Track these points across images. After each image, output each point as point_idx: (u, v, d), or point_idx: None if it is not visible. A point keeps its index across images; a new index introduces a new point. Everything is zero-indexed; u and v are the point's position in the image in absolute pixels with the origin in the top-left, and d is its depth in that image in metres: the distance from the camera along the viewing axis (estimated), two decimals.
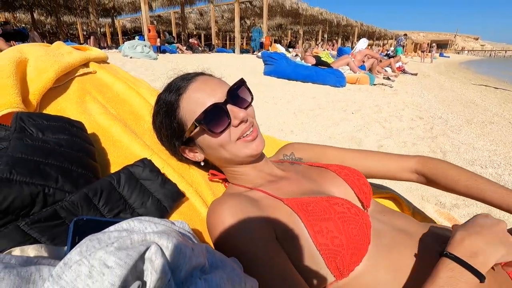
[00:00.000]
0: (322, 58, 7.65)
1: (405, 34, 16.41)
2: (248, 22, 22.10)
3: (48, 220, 0.53)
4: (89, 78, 1.14)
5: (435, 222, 1.06)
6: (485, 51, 78.57)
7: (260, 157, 0.79)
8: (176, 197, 0.73)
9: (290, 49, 13.42)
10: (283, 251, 0.60)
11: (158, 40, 10.34)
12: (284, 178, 0.78)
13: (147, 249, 0.38)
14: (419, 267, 0.61)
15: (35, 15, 17.75)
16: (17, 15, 19.07)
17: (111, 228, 0.43)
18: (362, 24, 27.79)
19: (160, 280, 0.37)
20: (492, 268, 0.55)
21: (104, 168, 0.79)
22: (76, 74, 1.09)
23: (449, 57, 36.69)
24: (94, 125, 0.90)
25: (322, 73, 6.15)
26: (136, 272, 0.37)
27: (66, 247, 0.47)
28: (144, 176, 0.72)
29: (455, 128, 3.69)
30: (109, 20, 21.08)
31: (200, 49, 13.41)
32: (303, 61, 7.45)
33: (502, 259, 0.54)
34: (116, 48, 10.53)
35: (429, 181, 0.84)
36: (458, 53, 66.90)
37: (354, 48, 8.84)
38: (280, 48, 11.79)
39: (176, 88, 0.74)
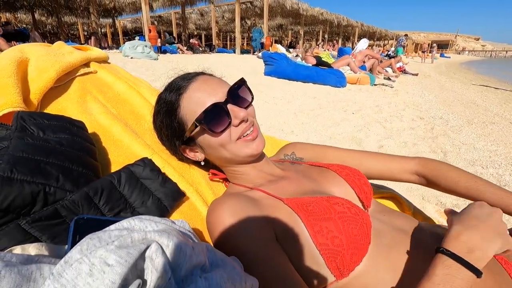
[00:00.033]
0: (322, 59, 7.65)
1: (406, 35, 16.41)
2: (248, 22, 22.12)
3: (48, 219, 0.53)
4: (90, 77, 1.14)
5: (435, 222, 1.06)
6: (486, 51, 78.48)
7: (260, 156, 0.79)
8: (176, 196, 0.73)
9: (291, 50, 13.44)
10: (283, 251, 0.60)
11: (159, 40, 10.35)
12: (284, 177, 0.78)
13: (147, 247, 0.38)
14: (420, 267, 0.61)
15: (36, 15, 17.78)
16: (18, 15, 19.12)
17: (112, 227, 0.43)
18: (362, 25, 27.80)
19: (160, 278, 0.37)
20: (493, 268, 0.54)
21: (105, 168, 0.79)
22: (77, 74, 1.10)
23: (449, 57, 36.65)
24: (94, 124, 0.90)
25: (322, 73, 6.15)
26: (136, 270, 0.37)
27: (66, 246, 0.47)
28: (144, 175, 0.72)
29: (455, 128, 3.69)
30: (110, 20, 21.12)
31: (200, 49, 13.43)
32: (303, 61, 7.45)
33: (498, 251, 0.54)
34: (117, 48, 10.55)
35: (429, 183, 0.84)
36: (459, 53, 66.82)
37: (354, 49, 8.84)
38: (281, 49, 11.80)
39: (176, 88, 0.74)
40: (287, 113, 3.82)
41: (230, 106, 0.70)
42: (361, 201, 0.76)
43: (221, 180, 0.90)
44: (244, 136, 0.72)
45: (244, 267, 0.51)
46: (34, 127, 0.67)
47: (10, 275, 0.33)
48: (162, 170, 0.77)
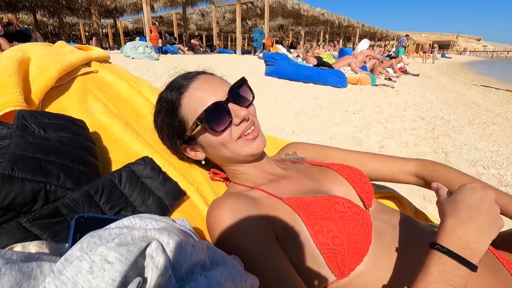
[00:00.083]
0: (323, 59, 7.65)
1: (407, 35, 16.37)
2: (249, 23, 22.14)
3: (49, 217, 0.53)
4: (91, 77, 1.14)
5: (436, 222, 1.06)
6: (487, 51, 78.34)
7: (261, 156, 0.79)
8: (177, 195, 0.73)
9: (292, 50, 13.44)
10: (282, 251, 0.60)
11: (160, 41, 10.36)
12: (285, 177, 0.78)
13: (148, 245, 0.38)
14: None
15: (37, 16, 17.84)
16: (20, 16, 19.18)
17: (112, 225, 0.43)
18: (363, 25, 27.79)
19: (161, 276, 0.37)
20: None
21: (106, 167, 0.79)
22: (78, 73, 1.10)
23: (451, 58, 36.59)
24: (95, 123, 0.90)
25: (323, 74, 6.15)
26: (137, 268, 0.37)
27: (67, 244, 0.47)
28: (145, 174, 0.72)
29: (457, 128, 3.68)
30: (111, 21, 21.18)
31: (201, 49, 13.45)
32: (304, 61, 7.45)
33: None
34: (118, 49, 10.58)
35: (428, 184, 0.84)
36: (460, 54, 66.73)
37: (355, 49, 8.84)
38: (282, 49, 11.81)
39: (177, 87, 0.74)
40: (288, 113, 3.82)
41: (231, 105, 0.70)
42: (362, 200, 0.76)
43: (221, 180, 0.90)
44: (245, 135, 0.72)
45: (244, 267, 0.51)
46: (35, 126, 0.67)
47: (10, 273, 0.33)
48: (163, 169, 0.77)
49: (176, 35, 17.21)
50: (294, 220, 0.62)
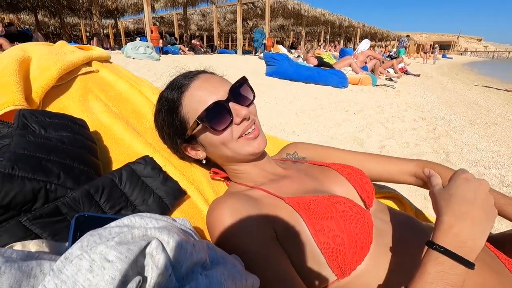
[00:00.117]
0: (324, 59, 7.65)
1: (408, 35, 16.35)
2: (250, 23, 22.15)
3: (49, 216, 0.53)
4: (92, 76, 1.14)
5: None
6: (488, 52, 78.22)
7: (262, 155, 0.79)
8: (177, 194, 0.73)
9: (292, 50, 13.43)
10: (283, 251, 0.60)
11: (161, 41, 10.38)
12: (286, 176, 0.78)
13: (148, 244, 0.38)
14: None
15: (39, 16, 17.89)
16: (21, 16, 19.23)
17: (112, 223, 0.43)
18: (364, 25, 27.78)
19: (161, 275, 0.37)
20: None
21: (106, 166, 0.79)
22: (79, 73, 1.10)
23: (451, 58, 36.53)
24: (96, 123, 0.90)
25: (324, 74, 6.15)
26: (137, 267, 0.37)
27: (67, 243, 0.47)
28: (145, 174, 0.72)
29: (458, 129, 3.68)
30: (112, 21, 21.23)
31: (202, 50, 13.46)
32: (305, 62, 7.45)
33: None
34: (119, 49, 10.59)
35: (426, 184, 0.84)
36: (461, 54, 66.62)
37: (356, 49, 8.83)
38: (282, 49, 11.81)
39: (178, 86, 0.74)
40: (288, 113, 3.82)
41: (231, 104, 0.69)
42: (363, 200, 0.76)
43: (222, 179, 0.89)
44: (245, 135, 0.72)
45: (244, 267, 0.51)
46: (35, 125, 0.67)
47: (10, 271, 0.33)
48: (163, 169, 0.77)
49: (177, 35, 17.22)
50: (295, 220, 0.62)
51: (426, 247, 0.52)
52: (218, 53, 14.15)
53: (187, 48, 12.36)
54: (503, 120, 4.25)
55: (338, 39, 27.66)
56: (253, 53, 14.01)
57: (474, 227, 0.50)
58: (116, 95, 1.10)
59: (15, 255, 0.37)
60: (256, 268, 0.53)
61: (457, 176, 0.57)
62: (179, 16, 18.76)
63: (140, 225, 0.44)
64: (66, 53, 1.10)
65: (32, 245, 0.46)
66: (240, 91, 0.73)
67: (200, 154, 0.80)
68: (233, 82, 0.75)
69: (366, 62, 7.60)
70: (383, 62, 8.51)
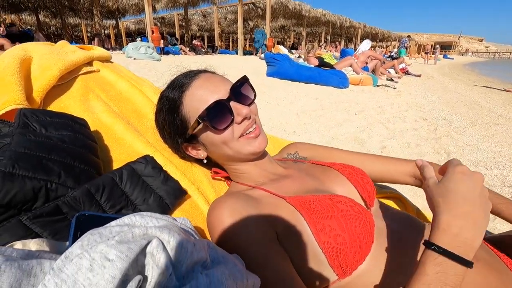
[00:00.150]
0: (325, 60, 7.65)
1: (409, 36, 16.33)
2: (251, 23, 22.14)
3: (50, 215, 0.53)
4: (93, 76, 1.14)
5: None
6: (489, 52, 78.06)
7: (263, 155, 0.79)
8: (178, 194, 0.73)
9: (293, 51, 13.43)
10: (283, 251, 0.60)
11: (162, 41, 10.39)
12: (287, 176, 0.77)
13: (148, 243, 0.38)
14: None
15: (40, 17, 17.93)
16: (23, 17, 19.29)
17: (113, 223, 0.43)
18: (365, 26, 27.76)
19: (161, 274, 0.37)
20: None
21: (107, 165, 0.79)
22: (80, 73, 1.10)
23: (453, 58, 36.46)
24: (97, 122, 0.90)
25: (325, 74, 6.14)
26: (137, 266, 0.37)
27: (67, 242, 0.47)
28: (146, 173, 0.71)
29: (459, 129, 3.67)
30: (113, 21, 21.27)
31: (203, 50, 13.47)
32: (306, 62, 7.44)
33: None
34: (120, 49, 10.60)
35: None
36: (462, 54, 66.50)
37: (357, 50, 8.82)
38: (283, 50, 11.81)
39: (179, 85, 0.73)
40: (289, 113, 3.82)
41: (232, 104, 0.69)
42: (364, 200, 0.75)
43: (223, 179, 0.89)
44: (246, 134, 0.72)
45: (245, 266, 0.50)
46: (36, 124, 0.67)
47: (10, 270, 0.32)
48: (164, 168, 0.77)
49: (178, 35, 17.24)
50: (296, 219, 0.62)
51: (424, 247, 0.50)
52: (219, 53, 14.15)
53: (188, 49, 12.37)
54: (504, 121, 4.24)
55: (339, 39, 27.67)
56: (254, 54, 14.01)
57: (473, 227, 0.48)
58: (117, 95, 1.10)
59: (15, 254, 0.37)
60: (256, 267, 0.53)
61: (453, 169, 0.54)
62: (180, 16, 18.79)
63: (140, 224, 0.44)
64: (67, 52, 1.10)
65: (33, 244, 0.46)
66: (241, 90, 0.73)
67: (201, 154, 0.80)
68: (234, 82, 0.75)
69: (367, 63, 7.59)
70: (384, 62, 8.50)
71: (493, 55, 69.19)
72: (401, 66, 9.47)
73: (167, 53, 10.33)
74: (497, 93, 7.27)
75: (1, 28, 9.55)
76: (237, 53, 14.25)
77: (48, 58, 1.00)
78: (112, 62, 1.35)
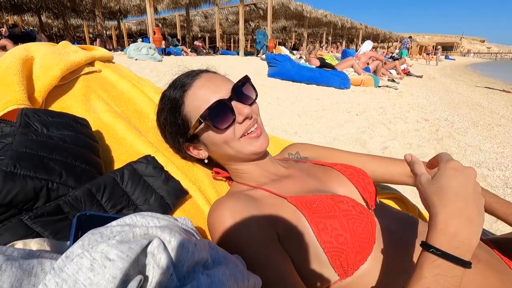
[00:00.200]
0: (326, 60, 7.64)
1: (410, 37, 16.31)
2: (252, 24, 22.18)
3: (51, 215, 0.53)
4: (94, 76, 1.14)
5: None
6: (491, 53, 77.87)
7: (264, 155, 0.79)
8: (179, 194, 0.73)
9: (294, 52, 13.42)
10: (284, 252, 0.59)
11: (163, 42, 10.41)
12: (288, 176, 0.77)
13: (149, 243, 0.38)
14: None
15: (42, 18, 18.02)
16: (25, 18, 19.38)
17: (114, 222, 0.43)
18: (366, 27, 27.75)
19: (162, 274, 0.37)
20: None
21: (108, 165, 0.79)
22: (82, 73, 1.10)
23: (454, 59, 36.40)
24: (98, 122, 0.90)
25: (326, 75, 6.14)
26: (138, 266, 0.37)
27: (68, 241, 0.47)
28: (147, 173, 0.71)
29: (461, 130, 3.66)
30: (115, 22, 21.33)
31: (204, 51, 13.49)
32: (307, 63, 7.44)
33: None
34: (122, 50, 10.64)
35: None
36: (464, 55, 66.40)
37: (358, 50, 8.82)
38: (284, 50, 11.79)
39: (180, 85, 0.73)
40: (290, 114, 3.82)
41: (234, 103, 0.69)
42: (365, 201, 0.75)
43: (224, 179, 0.89)
44: (248, 134, 0.72)
45: (246, 267, 0.50)
46: (38, 124, 0.67)
47: (11, 269, 0.32)
48: (165, 168, 0.77)
49: (179, 36, 17.29)
50: (298, 219, 0.61)
51: (422, 249, 0.49)
52: (220, 54, 14.18)
53: (189, 49, 12.39)
54: (506, 122, 4.22)
55: (340, 40, 27.66)
56: (255, 54, 14.03)
57: (469, 225, 0.47)
58: (118, 95, 1.10)
59: (16, 254, 0.37)
60: (257, 268, 0.53)
61: (444, 165, 0.52)
62: (182, 17, 18.83)
63: (141, 224, 0.44)
64: (69, 53, 1.11)
65: (34, 244, 0.46)
66: (242, 90, 0.73)
67: (202, 154, 0.79)
68: (235, 82, 0.74)
69: (368, 63, 7.59)
70: (385, 63, 8.49)
71: (495, 56, 69.01)
72: (402, 67, 9.46)
73: (169, 54, 10.36)
74: (499, 94, 7.25)
75: (4, 29, 9.60)
76: (238, 54, 14.28)
77: (50, 58, 1.00)
78: (113, 63, 1.36)
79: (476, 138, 3.34)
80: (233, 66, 7.71)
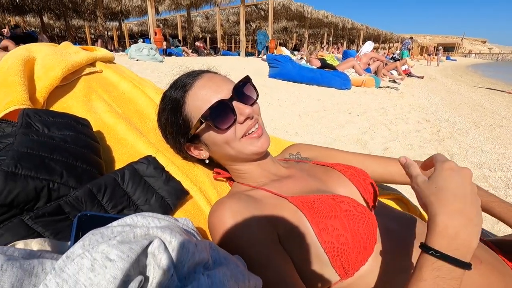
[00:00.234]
0: (327, 61, 7.64)
1: (411, 37, 16.31)
2: (253, 25, 22.20)
3: (52, 215, 0.53)
4: (95, 77, 1.15)
5: None
6: (492, 54, 77.71)
7: (265, 155, 0.79)
8: (180, 194, 0.73)
9: (295, 52, 13.43)
10: (284, 253, 0.59)
11: (165, 43, 10.43)
12: (289, 176, 0.77)
13: (150, 243, 0.38)
14: None
15: (44, 19, 18.09)
16: (27, 18, 19.46)
17: (114, 223, 0.43)
18: (367, 27, 27.74)
19: (163, 275, 0.36)
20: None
21: (109, 165, 0.79)
22: (83, 73, 1.10)
23: (456, 60, 36.35)
24: (99, 123, 0.90)
25: (327, 76, 6.14)
26: (138, 267, 0.37)
27: (69, 242, 0.47)
28: (148, 173, 0.71)
29: (462, 131, 3.65)
30: (117, 23, 21.42)
31: (205, 52, 13.52)
32: (308, 63, 7.44)
33: None
34: (123, 51, 10.67)
35: None
36: (465, 56, 66.29)
37: (359, 51, 8.81)
38: (285, 51, 11.80)
39: (182, 85, 0.74)
40: (291, 115, 3.82)
41: (235, 103, 0.69)
42: (366, 201, 0.75)
43: (225, 179, 0.89)
44: (249, 134, 0.72)
45: (247, 267, 0.50)
46: (39, 124, 0.68)
47: (12, 269, 0.32)
48: (166, 169, 0.77)
49: (180, 37, 17.32)
50: (299, 219, 0.61)
51: (421, 251, 0.49)
52: (221, 55, 14.20)
53: (190, 50, 12.42)
54: (508, 123, 4.21)
55: (341, 41, 27.69)
56: (256, 55, 14.04)
57: (469, 225, 0.46)
58: (119, 95, 1.10)
59: (17, 254, 0.37)
60: (258, 268, 0.53)
61: (441, 166, 0.52)
62: (183, 18, 18.87)
63: (142, 224, 0.44)
64: (70, 53, 1.11)
65: (34, 244, 0.46)
66: (243, 90, 0.73)
67: (203, 154, 0.79)
68: (236, 82, 0.74)
69: (369, 64, 7.58)
70: (386, 64, 8.48)
71: (496, 57, 68.86)
72: (403, 67, 9.45)
73: (170, 54, 10.38)
74: (501, 94, 7.23)
75: (6, 30, 9.63)
76: (239, 55, 14.29)
77: (51, 58, 1.01)
78: (115, 63, 1.36)
79: (477, 139, 3.33)
80: (234, 67, 7.71)
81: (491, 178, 2.37)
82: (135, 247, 0.36)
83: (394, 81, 7.64)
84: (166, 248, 0.38)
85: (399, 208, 1.07)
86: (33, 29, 18.89)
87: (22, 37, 8.25)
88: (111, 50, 10.95)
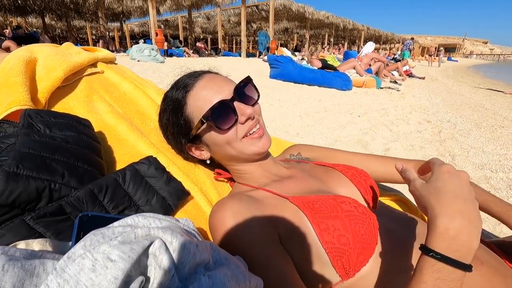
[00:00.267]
0: (328, 62, 7.64)
1: (412, 38, 16.28)
2: (254, 26, 22.23)
3: (53, 215, 0.53)
4: (97, 77, 1.15)
5: None
6: (494, 55, 77.55)
7: (266, 155, 0.79)
8: (181, 195, 0.73)
9: (296, 53, 13.44)
10: (285, 253, 0.59)
11: (166, 43, 10.45)
12: (290, 177, 0.77)
13: (151, 244, 0.38)
14: None
15: (46, 19, 18.15)
16: (29, 19, 19.55)
17: (115, 223, 0.43)
18: (368, 28, 27.74)
19: (164, 275, 0.36)
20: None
21: (110, 166, 0.79)
22: (84, 74, 1.11)
23: (457, 61, 36.28)
24: (101, 123, 0.91)
25: (328, 77, 6.14)
26: (139, 267, 0.37)
27: (70, 242, 0.47)
28: (149, 174, 0.71)
29: (464, 132, 3.64)
30: (118, 24, 21.48)
31: (206, 52, 13.54)
32: (309, 64, 7.44)
33: None
34: (124, 51, 10.69)
35: None
36: (467, 57, 66.19)
37: (360, 52, 8.81)
38: (286, 52, 11.80)
39: (183, 86, 0.74)
40: (292, 115, 3.81)
41: (236, 104, 0.69)
42: (367, 202, 0.75)
43: (226, 180, 0.89)
44: (250, 134, 0.72)
45: (247, 268, 0.50)
46: (40, 125, 0.68)
47: (13, 270, 0.32)
48: (167, 169, 0.77)
49: (181, 38, 17.35)
50: (300, 219, 0.61)
51: (421, 252, 0.48)
52: (222, 55, 14.22)
53: (191, 51, 12.44)
54: (510, 123, 4.20)
55: (342, 41, 27.68)
56: (257, 56, 14.05)
57: (469, 226, 0.46)
58: (120, 96, 1.10)
59: (18, 254, 0.37)
60: (259, 269, 0.53)
61: (439, 169, 0.52)
62: (184, 19, 18.91)
63: (143, 225, 0.44)
64: (72, 54, 1.11)
65: (36, 244, 0.46)
66: (244, 90, 0.73)
67: (204, 154, 0.80)
68: (237, 82, 0.75)
69: (370, 65, 7.57)
70: (387, 64, 8.47)
71: (498, 58, 68.72)
72: (404, 68, 9.44)
73: (171, 55, 10.40)
74: (502, 95, 7.21)
75: (8, 31, 9.68)
76: (240, 55, 14.31)
77: (53, 59, 1.01)
78: (116, 64, 1.36)
79: (479, 140, 3.32)
80: (235, 67, 7.72)
81: (493, 179, 2.36)
82: (136, 248, 0.36)
83: (395, 82, 7.63)
84: (167, 248, 0.38)
85: (400, 209, 1.07)
86: (34, 29, 18.98)
87: (23, 38, 8.28)
88: (112, 51, 10.97)
